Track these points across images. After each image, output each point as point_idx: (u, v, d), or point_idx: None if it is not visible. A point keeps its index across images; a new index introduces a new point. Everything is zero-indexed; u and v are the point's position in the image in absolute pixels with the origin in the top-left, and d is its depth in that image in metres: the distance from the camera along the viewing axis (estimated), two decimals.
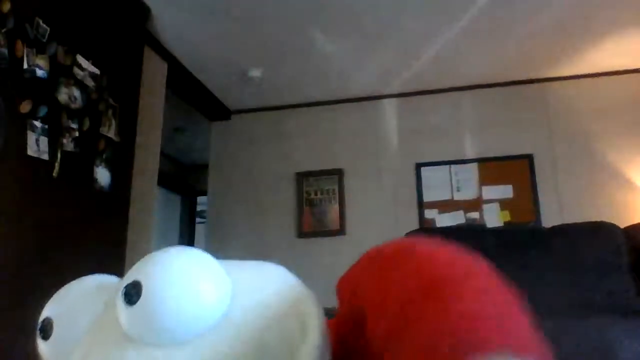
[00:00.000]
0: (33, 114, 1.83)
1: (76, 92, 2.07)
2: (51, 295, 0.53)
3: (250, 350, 0.42)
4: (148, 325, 0.41)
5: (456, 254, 0.42)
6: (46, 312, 0.50)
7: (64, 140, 1.98)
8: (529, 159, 3.54)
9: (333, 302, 0.53)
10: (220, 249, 3.89)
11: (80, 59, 2.11)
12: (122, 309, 0.42)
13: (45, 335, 0.49)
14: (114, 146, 2.31)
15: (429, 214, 3.56)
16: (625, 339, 1.41)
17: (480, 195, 3.54)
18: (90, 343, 0.45)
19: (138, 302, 0.41)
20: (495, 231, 2.83)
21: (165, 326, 0.41)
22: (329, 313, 0.47)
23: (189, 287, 0.43)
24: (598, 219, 2.15)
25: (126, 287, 0.42)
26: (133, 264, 0.49)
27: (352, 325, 0.44)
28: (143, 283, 0.42)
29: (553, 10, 2.79)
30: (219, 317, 0.43)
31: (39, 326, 0.50)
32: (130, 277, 0.44)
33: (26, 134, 1.80)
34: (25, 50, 1.81)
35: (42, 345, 0.50)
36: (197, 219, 5.73)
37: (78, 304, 0.51)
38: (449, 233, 2.67)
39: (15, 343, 1.70)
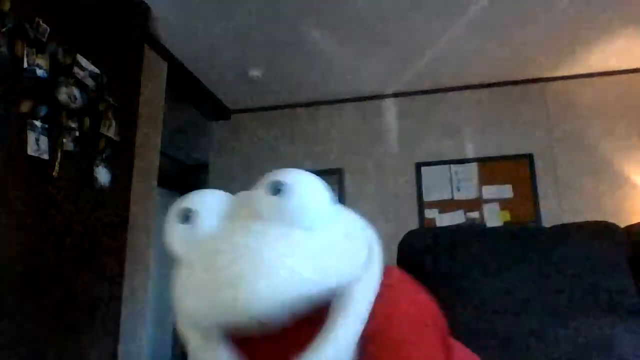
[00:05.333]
0: (33, 114, 1.83)
1: (76, 92, 2.07)
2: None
3: (354, 242, 0.63)
4: (291, 211, 0.57)
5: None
6: (187, 204, 0.63)
7: (64, 140, 1.98)
8: (529, 159, 3.54)
9: None
10: None
11: (80, 59, 2.11)
12: (264, 199, 0.58)
13: (187, 221, 0.60)
14: (114, 146, 2.30)
15: (429, 213, 3.56)
16: (625, 338, 1.41)
17: (480, 195, 3.54)
18: (233, 226, 0.59)
19: (280, 193, 0.57)
20: (495, 231, 2.83)
21: (302, 212, 0.58)
22: None
23: (318, 189, 0.61)
24: (598, 219, 2.14)
25: (271, 183, 0.58)
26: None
27: None
28: (284, 181, 0.58)
29: (553, 11, 2.80)
30: (331, 217, 0.62)
31: (178, 213, 0.61)
32: (268, 179, 0.60)
33: (26, 133, 1.80)
34: (25, 50, 1.81)
35: (178, 229, 0.61)
36: None
37: (210, 202, 0.64)
38: (449, 233, 2.67)
39: (14, 340, 1.70)
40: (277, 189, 0.58)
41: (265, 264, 0.52)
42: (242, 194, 0.66)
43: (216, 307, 0.52)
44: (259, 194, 0.59)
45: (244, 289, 0.51)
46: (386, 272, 0.66)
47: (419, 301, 0.69)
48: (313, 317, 0.55)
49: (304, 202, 0.58)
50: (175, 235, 0.62)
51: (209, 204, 0.63)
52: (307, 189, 0.60)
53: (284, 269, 0.53)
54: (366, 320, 0.58)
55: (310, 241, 0.57)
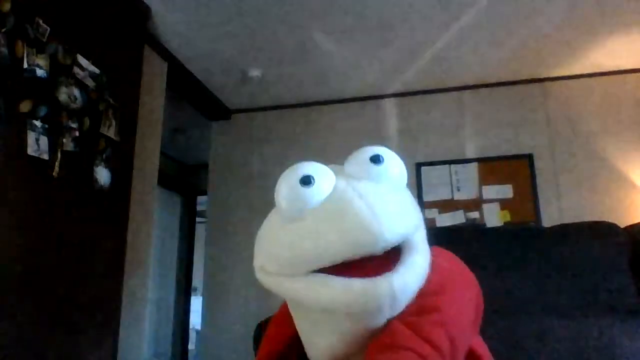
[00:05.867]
0: (33, 114, 1.83)
1: (76, 92, 2.07)
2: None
3: (415, 200, 0.84)
4: (385, 176, 0.79)
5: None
6: (305, 171, 0.78)
7: (64, 140, 1.98)
8: (529, 159, 3.54)
9: None
10: (220, 249, 3.89)
11: (80, 59, 2.11)
12: (370, 167, 0.79)
13: (308, 183, 0.76)
14: (114, 146, 2.31)
15: (429, 213, 3.56)
16: (625, 339, 1.41)
17: (480, 195, 3.54)
18: (352, 185, 0.76)
19: (381, 164, 0.79)
20: (495, 231, 2.83)
21: (394, 176, 0.80)
22: None
23: (401, 162, 0.83)
24: (598, 219, 2.14)
25: (373, 156, 0.80)
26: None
27: None
28: (382, 154, 0.80)
29: (553, 10, 2.80)
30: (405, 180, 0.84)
31: (300, 178, 0.76)
32: (366, 153, 0.81)
33: (26, 133, 1.80)
34: (25, 50, 1.81)
35: (300, 192, 0.76)
36: (197, 219, 5.73)
37: (322, 170, 0.79)
38: (449, 233, 2.67)
39: (14, 340, 1.70)
40: (378, 160, 0.79)
41: (386, 207, 0.73)
42: (336, 167, 0.83)
43: (361, 235, 0.70)
44: (364, 163, 0.80)
45: (380, 220, 0.70)
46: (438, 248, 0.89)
47: (462, 272, 0.89)
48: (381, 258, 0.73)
49: (397, 169, 0.81)
50: (298, 197, 0.77)
51: (322, 172, 0.79)
52: (397, 160, 0.82)
53: (396, 210, 0.75)
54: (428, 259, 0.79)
55: (405, 196, 0.81)
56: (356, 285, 0.71)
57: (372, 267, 0.71)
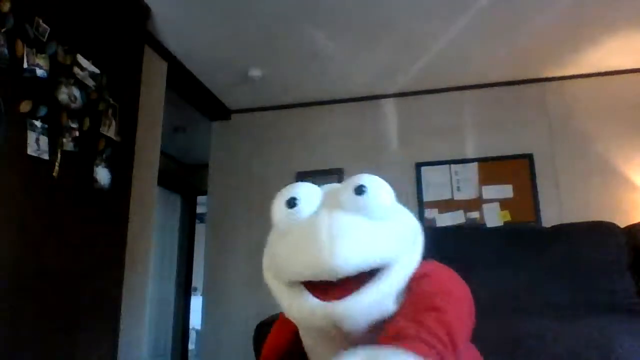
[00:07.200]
0: (33, 114, 1.83)
1: (76, 92, 2.07)
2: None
3: (406, 230, 0.89)
4: (366, 207, 0.82)
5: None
6: (291, 193, 0.87)
7: (64, 140, 1.98)
8: (529, 159, 3.54)
9: None
10: (220, 249, 3.89)
11: (80, 59, 2.11)
12: (351, 197, 0.83)
13: (292, 205, 0.85)
14: (114, 146, 2.31)
15: (429, 213, 3.56)
16: (625, 338, 1.41)
17: (480, 195, 3.54)
18: (329, 212, 0.82)
19: (364, 195, 0.82)
20: (495, 231, 2.83)
21: (375, 207, 0.83)
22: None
23: (387, 193, 0.87)
24: (598, 219, 2.14)
25: (356, 187, 0.83)
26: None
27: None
28: (366, 185, 0.84)
29: (553, 10, 2.80)
30: (394, 210, 0.89)
31: (286, 200, 0.86)
32: (353, 182, 0.85)
33: (26, 133, 1.80)
34: (25, 50, 1.81)
35: (285, 211, 0.86)
36: (197, 219, 5.73)
37: (308, 193, 0.88)
38: (449, 233, 2.67)
39: (14, 340, 1.70)
40: (361, 190, 0.83)
41: (347, 239, 0.78)
42: (329, 188, 0.91)
43: (315, 261, 0.76)
44: (347, 192, 0.84)
45: (333, 251, 0.76)
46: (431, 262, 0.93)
47: (460, 282, 0.92)
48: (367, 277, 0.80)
49: (377, 201, 0.84)
50: (284, 215, 0.86)
51: (307, 195, 0.87)
52: (380, 192, 0.85)
53: (357, 242, 0.79)
54: (407, 278, 0.84)
55: (374, 228, 0.82)
56: (313, 305, 0.80)
57: (338, 290, 0.78)
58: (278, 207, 0.87)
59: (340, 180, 1.00)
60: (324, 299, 0.79)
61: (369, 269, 0.79)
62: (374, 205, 0.83)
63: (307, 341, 0.95)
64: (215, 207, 4.03)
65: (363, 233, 0.80)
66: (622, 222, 2.11)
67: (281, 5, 2.71)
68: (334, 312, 0.77)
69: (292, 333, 0.99)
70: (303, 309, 0.81)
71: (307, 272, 0.78)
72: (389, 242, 0.83)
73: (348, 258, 0.76)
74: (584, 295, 1.86)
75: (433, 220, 3.54)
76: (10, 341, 1.69)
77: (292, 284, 0.83)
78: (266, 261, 0.92)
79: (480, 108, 3.72)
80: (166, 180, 4.76)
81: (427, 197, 3.60)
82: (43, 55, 1.90)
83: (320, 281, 0.78)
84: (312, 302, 0.80)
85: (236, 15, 2.81)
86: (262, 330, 1.48)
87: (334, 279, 0.77)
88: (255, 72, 3.44)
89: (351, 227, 0.79)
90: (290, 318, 0.88)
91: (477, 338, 0.91)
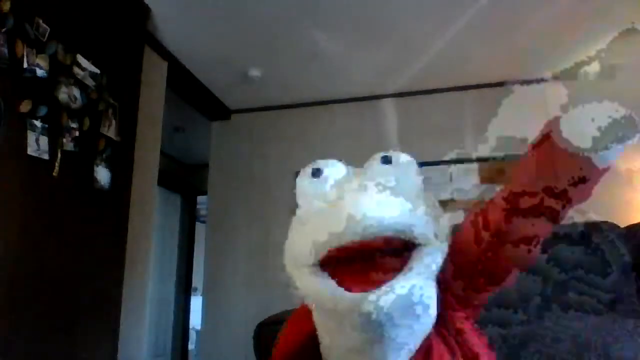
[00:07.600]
0: (33, 114, 1.83)
1: (76, 92, 2.07)
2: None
3: (436, 213, 0.87)
4: (396, 176, 0.81)
5: None
6: (316, 165, 0.89)
7: (64, 140, 1.98)
8: None
9: None
10: (220, 249, 3.89)
11: (80, 59, 2.11)
12: (378, 166, 0.85)
13: (317, 175, 0.86)
14: (114, 146, 2.31)
15: None
16: (625, 338, 1.41)
17: (480, 196, 3.54)
18: (356, 180, 0.81)
19: (390, 164, 0.85)
20: None
21: (402, 175, 0.83)
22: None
23: (413, 169, 0.88)
24: (598, 219, 2.14)
25: (383, 157, 0.86)
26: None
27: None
28: (391, 155, 0.86)
29: (553, 10, 2.79)
30: (417, 192, 0.85)
31: (311, 171, 0.88)
32: (379, 154, 0.87)
33: (26, 133, 1.80)
34: (25, 50, 1.81)
35: (309, 180, 0.87)
36: (197, 219, 5.73)
37: (334, 165, 0.89)
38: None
39: (14, 340, 1.70)
40: (387, 160, 0.85)
41: (376, 199, 0.76)
42: (353, 168, 0.89)
43: (348, 227, 0.73)
44: (374, 162, 0.85)
45: (365, 216, 0.73)
46: None
47: None
48: (390, 261, 0.76)
49: (404, 171, 0.85)
50: (308, 184, 0.87)
51: (332, 166, 0.88)
52: (409, 165, 0.87)
53: (388, 203, 0.76)
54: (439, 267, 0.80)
55: (405, 198, 0.79)
56: (346, 298, 0.74)
57: (377, 271, 0.74)
58: (302, 180, 0.88)
59: None
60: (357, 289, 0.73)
61: (402, 235, 0.74)
62: (401, 174, 0.82)
63: (325, 342, 0.86)
64: (215, 207, 4.03)
65: (393, 196, 0.76)
66: (622, 222, 2.11)
67: (281, 5, 2.71)
68: (377, 307, 0.71)
69: (306, 336, 0.89)
70: (329, 299, 0.75)
71: (339, 229, 0.73)
72: (420, 214, 0.78)
73: (380, 214, 0.72)
74: (584, 295, 1.86)
75: None
76: (11, 341, 1.68)
77: (315, 268, 0.77)
78: (288, 253, 0.85)
79: (480, 108, 3.71)
80: (166, 180, 4.76)
81: None
82: (43, 55, 1.90)
83: (351, 262, 0.74)
84: (342, 295, 0.74)
85: (236, 15, 2.81)
86: (262, 330, 1.48)
87: (370, 237, 0.72)
88: (255, 72, 3.44)
89: (380, 190, 0.77)
90: (321, 309, 0.82)
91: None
